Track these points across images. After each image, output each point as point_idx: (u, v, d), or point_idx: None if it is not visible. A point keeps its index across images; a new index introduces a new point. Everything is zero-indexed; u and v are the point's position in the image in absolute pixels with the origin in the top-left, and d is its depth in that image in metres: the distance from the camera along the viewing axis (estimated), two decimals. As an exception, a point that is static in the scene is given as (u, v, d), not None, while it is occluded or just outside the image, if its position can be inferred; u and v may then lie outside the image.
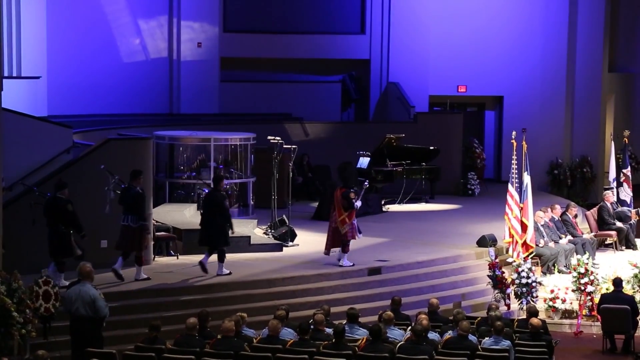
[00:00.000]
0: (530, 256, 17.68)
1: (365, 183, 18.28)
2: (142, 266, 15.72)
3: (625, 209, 21.01)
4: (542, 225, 18.91)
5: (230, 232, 16.42)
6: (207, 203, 16.62)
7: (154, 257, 17.08)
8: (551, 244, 18.81)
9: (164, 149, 21.52)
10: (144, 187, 15.99)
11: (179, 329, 13.01)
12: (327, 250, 17.47)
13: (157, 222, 17.51)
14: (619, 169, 21.90)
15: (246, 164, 21.40)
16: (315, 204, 22.63)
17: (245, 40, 27.19)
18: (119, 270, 15.52)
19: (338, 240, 17.26)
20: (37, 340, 13.16)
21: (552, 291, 17.10)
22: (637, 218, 21.07)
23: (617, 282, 15.94)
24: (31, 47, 23.00)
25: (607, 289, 16.55)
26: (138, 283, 15.56)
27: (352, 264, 17.19)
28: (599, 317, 16.10)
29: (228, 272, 16.32)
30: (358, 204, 17.37)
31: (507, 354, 11.99)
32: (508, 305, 16.94)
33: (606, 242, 20.90)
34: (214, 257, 16.30)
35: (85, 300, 12.22)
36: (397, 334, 12.61)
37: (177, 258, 17.42)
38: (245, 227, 18.93)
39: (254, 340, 12.17)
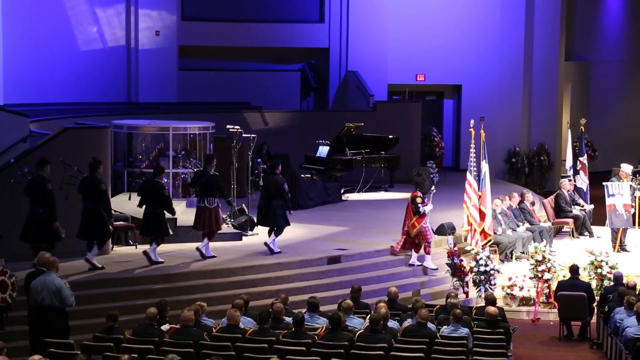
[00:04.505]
0: (488, 244, 17.81)
1: (433, 189, 18.04)
2: (207, 242, 16.74)
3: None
4: (499, 213, 19.06)
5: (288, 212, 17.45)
6: (266, 186, 17.36)
7: (113, 247, 17.00)
8: (509, 232, 18.96)
9: (122, 138, 21.38)
10: (103, 177, 15.97)
11: (137, 319, 12.97)
12: (398, 250, 17.71)
13: (115, 211, 17.41)
14: (575, 157, 22.09)
15: (205, 153, 21.30)
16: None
17: (204, 28, 27.06)
18: (206, 253, 16.64)
19: (410, 242, 17.59)
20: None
21: (509, 279, 17.25)
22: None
23: (574, 269, 16.10)
24: (-15, 35, 22.77)
25: (563, 276, 16.72)
26: (97, 273, 15.52)
27: (436, 267, 17.51)
28: (555, 304, 16.26)
29: (279, 250, 17.09)
30: (426, 208, 17.50)
31: (465, 342, 12.08)
32: (466, 293, 17.05)
33: (563, 230, 21.12)
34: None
35: (51, 289, 12.16)
36: (357, 323, 12.65)
37: (136, 247, 17.33)
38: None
39: (214, 330, 12.17)
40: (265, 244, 17.17)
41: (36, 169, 15.21)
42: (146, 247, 16.48)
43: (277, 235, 17.27)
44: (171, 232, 16.81)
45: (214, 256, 16.72)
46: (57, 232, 15.11)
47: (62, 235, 15.17)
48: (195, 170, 17.24)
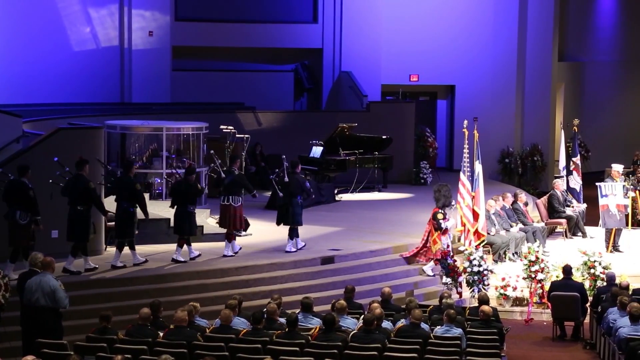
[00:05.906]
0: (481, 244, 17.83)
1: (453, 202, 18.05)
2: (231, 242, 17.06)
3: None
4: (493, 214, 19.08)
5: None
6: (286, 185, 17.63)
7: (106, 247, 16.97)
8: (502, 232, 18.98)
9: (115, 139, 21.35)
10: (94, 177, 16.01)
11: (131, 319, 12.95)
12: (411, 257, 17.78)
13: (110, 212, 17.37)
14: (568, 158, 22.14)
15: (199, 154, 21.30)
16: (269, 194, 22.59)
17: (197, 28, 27.04)
18: (226, 251, 16.96)
19: (426, 254, 17.68)
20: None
21: (503, 279, 17.26)
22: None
23: (567, 269, 16.12)
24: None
25: (557, 277, 16.73)
26: (90, 273, 15.51)
27: (433, 274, 17.53)
28: (549, 304, 16.27)
29: (304, 244, 17.57)
30: (448, 224, 17.54)
31: (458, 342, 12.10)
32: (460, 294, 17.06)
33: (556, 230, 21.15)
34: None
35: (45, 290, 12.16)
36: (350, 323, 12.65)
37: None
38: (198, 216, 18.81)
39: (207, 330, 12.16)
40: (296, 249, 17.45)
41: (76, 168, 15.46)
42: (141, 247, 16.50)
43: (296, 235, 17.44)
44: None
45: (235, 253, 17.05)
46: (88, 232, 15.35)
47: (90, 236, 15.43)
48: (222, 170, 17.49)
